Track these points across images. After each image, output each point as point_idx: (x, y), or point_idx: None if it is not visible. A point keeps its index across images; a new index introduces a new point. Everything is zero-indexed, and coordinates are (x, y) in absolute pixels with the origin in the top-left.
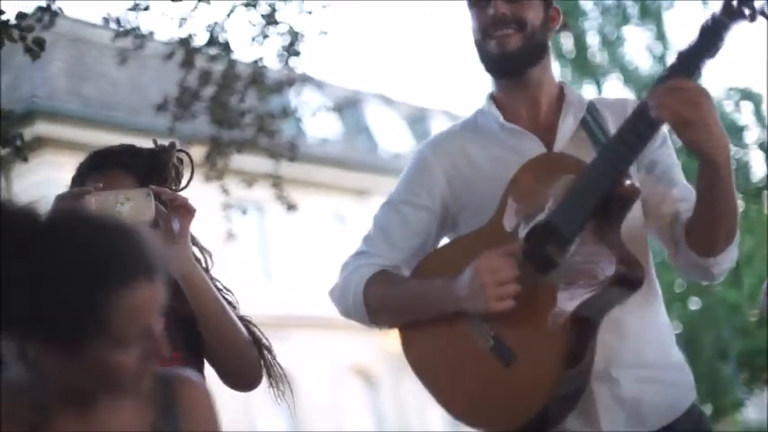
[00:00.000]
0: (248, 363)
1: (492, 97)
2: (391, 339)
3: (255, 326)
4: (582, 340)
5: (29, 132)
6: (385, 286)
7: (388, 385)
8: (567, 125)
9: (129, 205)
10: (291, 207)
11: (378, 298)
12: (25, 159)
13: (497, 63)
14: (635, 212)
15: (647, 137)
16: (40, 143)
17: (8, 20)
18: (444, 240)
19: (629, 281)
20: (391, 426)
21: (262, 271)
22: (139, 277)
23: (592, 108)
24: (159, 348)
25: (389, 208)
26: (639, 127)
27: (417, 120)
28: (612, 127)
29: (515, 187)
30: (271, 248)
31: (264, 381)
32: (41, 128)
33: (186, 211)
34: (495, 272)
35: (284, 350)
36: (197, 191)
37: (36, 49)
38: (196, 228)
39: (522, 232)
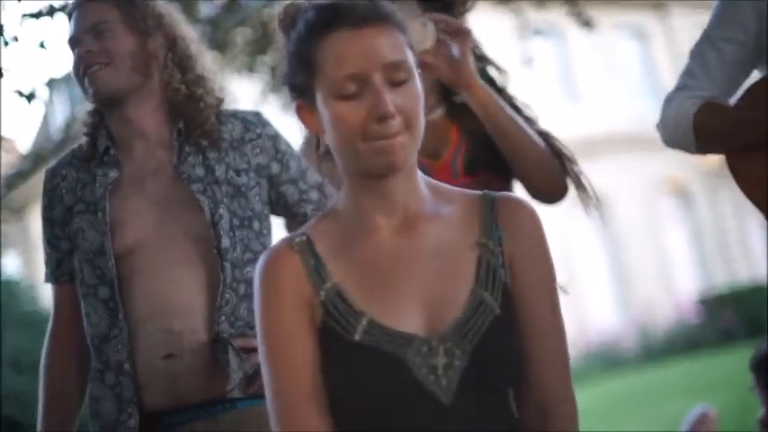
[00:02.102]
0: (549, 174)
1: None
2: None
3: (556, 138)
4: None
5: None
6: (712, 117)
7: (703, 199)
8: None
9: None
10: (588, 24)
11: (707, 128)
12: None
13: None
14: None
15: None
16: None
17: None
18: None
19: None
20: (708, 240)
21: (565, 93)
22: (341, 27)
23: None
24: (381, 103)
25: (706, 43)
26: None
27: None
28: None
29: None
30: (572, 71)
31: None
32: None
33: (463, 34)
34: None
35: (595, 171)
36: (490, 17)
37: None
38: (493, 53)
39: None
